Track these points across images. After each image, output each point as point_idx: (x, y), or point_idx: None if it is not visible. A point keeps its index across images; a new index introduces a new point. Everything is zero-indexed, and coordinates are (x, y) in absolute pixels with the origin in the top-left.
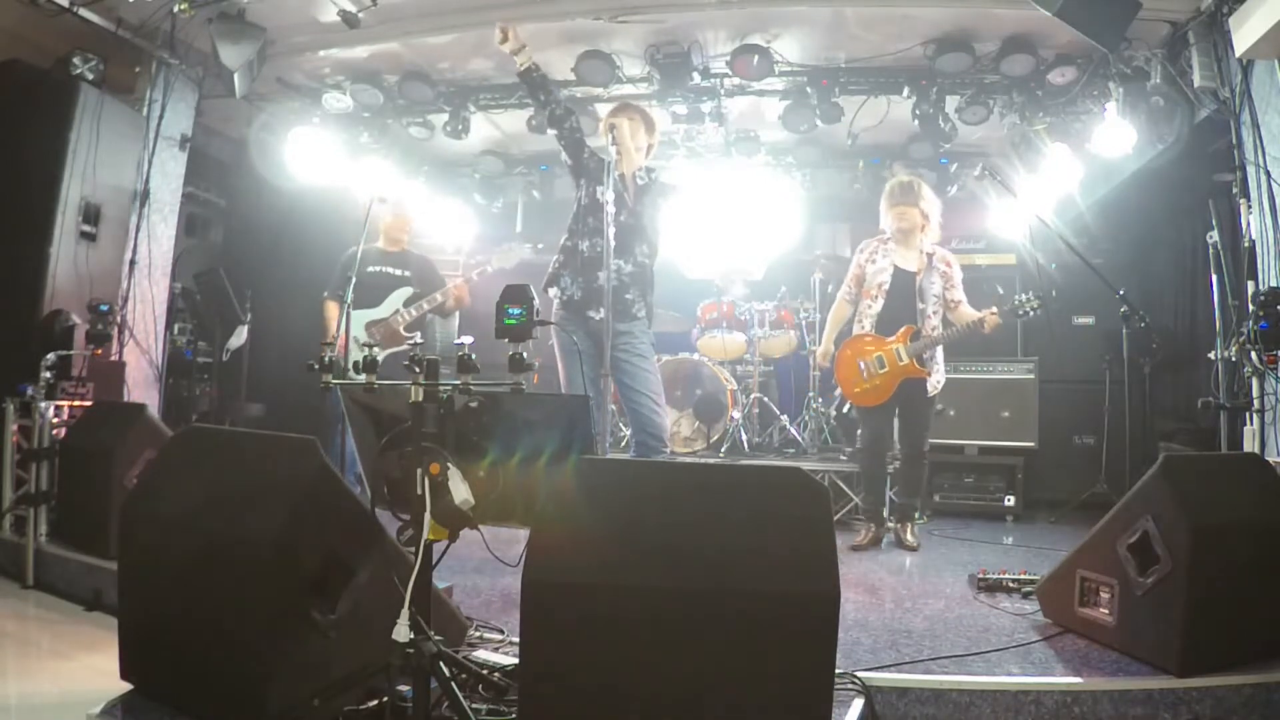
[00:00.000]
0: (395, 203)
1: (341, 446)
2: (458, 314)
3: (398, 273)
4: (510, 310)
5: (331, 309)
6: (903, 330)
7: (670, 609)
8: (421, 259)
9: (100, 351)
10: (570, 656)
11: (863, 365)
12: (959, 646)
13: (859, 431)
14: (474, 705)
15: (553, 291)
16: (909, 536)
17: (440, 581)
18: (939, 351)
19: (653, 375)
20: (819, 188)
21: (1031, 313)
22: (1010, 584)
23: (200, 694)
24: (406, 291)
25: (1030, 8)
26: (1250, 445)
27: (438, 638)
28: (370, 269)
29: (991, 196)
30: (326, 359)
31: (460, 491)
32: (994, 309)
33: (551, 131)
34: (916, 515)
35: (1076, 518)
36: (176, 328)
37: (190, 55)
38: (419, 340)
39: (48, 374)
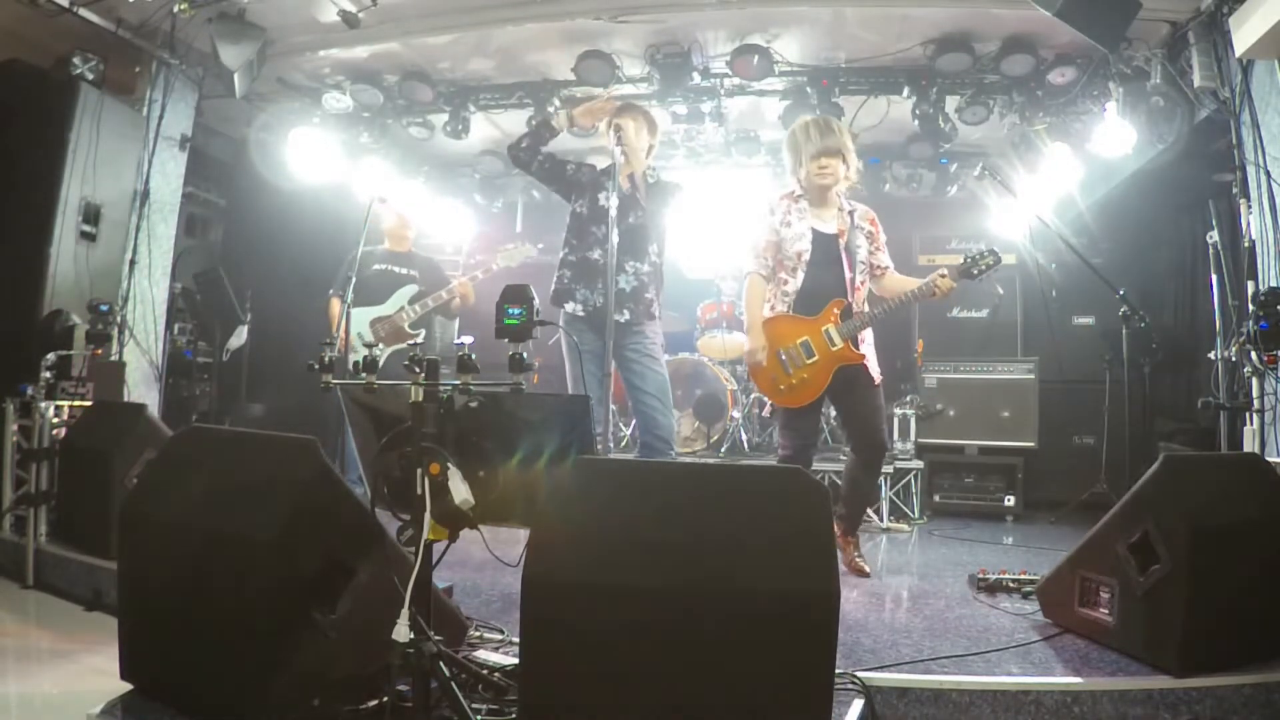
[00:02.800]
0: (396, 205)
1: (342, 446)
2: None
3: (402, 271)
4: (510, 310)
5: (336, 306)
6: (832, 304)
7: (670, 609)
8: (427, 259)
9: (100, 351)
10: (570, 656)
11: (784, 356)
12: (959, 646)
13: (778, 438)
14: (474, 705)
15: (570, 306)
16: (858, 557)
17: (440, 581)
18: (870, 333)
19: (662, 376)
20: None
21: (987, 269)
22: (1010, 584)
23: (200, 694)
24: (411, 289)
25: (1030, 8)
26: (1250, 445)
27: (438, 638)
28: (376, 267)
29: (991, 196)
30: (327, 359)
31: (460, 491)
32: (944, 271)
33: (525, 174)
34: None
35: (1076, 518)
36: (176, 328)
37: (190, 55)
38: (419, 340)
39: (48, 374)
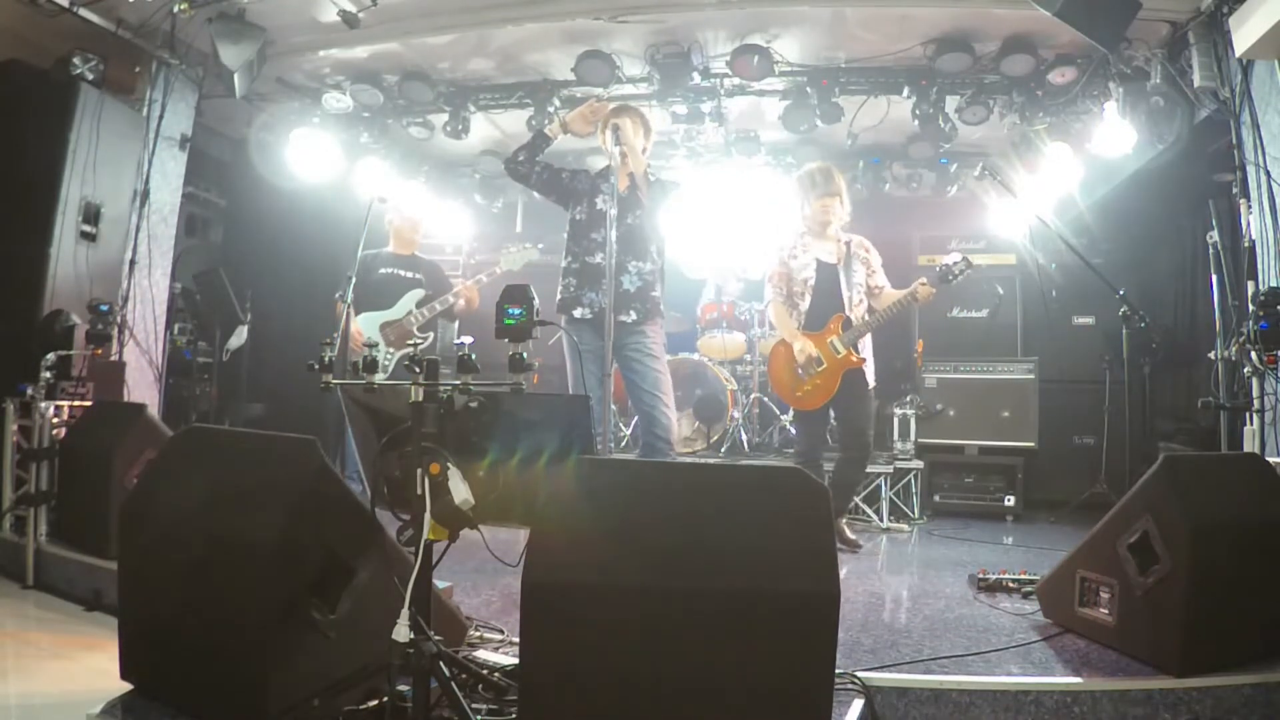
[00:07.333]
0: (404, 206)
1: (342, 446)
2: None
3: (409, 275)
4: (510, 310)
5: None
6: (833, 320)
7: (670, 609)
8: (431, 263)
9: (100, 351)
10: (570, 656)
11: (800, 368)
12: (959, 646)
13: (795, 438)
14: (474, 705)
15: (578, 311)
16: (847, 533)
17: (440, 581)
18: (869, 341)
19: (663, 376)
20: None
21: (960, 275)
22: (1010, 584)
23: (200, 694)
24: (418, 293)
25: (1030, 8)
26: (1250, 445)
27: (438, 638)
28: (381, 271)
29: (991, 196)
30: (327, 359)
31: (460, 491)
32: (923, 279)
33: (525, 186)
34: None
35: (1076, 518)
36: (176, 328)
37: (190, 55)
38: (424, 341)
39: (48, 374)
